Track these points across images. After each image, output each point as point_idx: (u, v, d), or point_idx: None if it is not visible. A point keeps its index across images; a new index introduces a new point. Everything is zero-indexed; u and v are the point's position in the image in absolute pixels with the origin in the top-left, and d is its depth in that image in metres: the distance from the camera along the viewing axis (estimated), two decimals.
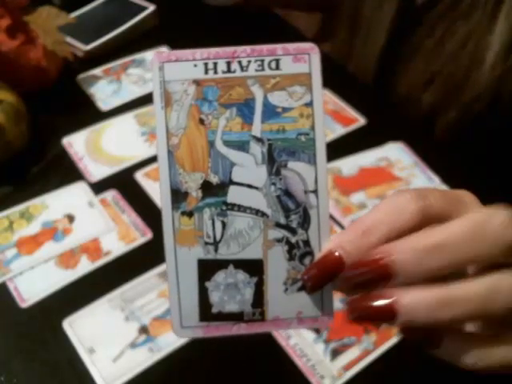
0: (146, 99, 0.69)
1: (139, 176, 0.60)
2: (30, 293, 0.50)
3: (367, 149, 0.63)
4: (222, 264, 0.30)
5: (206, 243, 0.29)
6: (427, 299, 0.26)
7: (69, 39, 0.73)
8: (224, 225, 0.29)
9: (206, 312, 0.30)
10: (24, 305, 0.49)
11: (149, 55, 0.75)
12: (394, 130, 0.65)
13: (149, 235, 0.55)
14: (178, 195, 0.29)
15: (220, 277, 0.30)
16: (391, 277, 0.26)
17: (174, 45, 0.76)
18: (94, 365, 0.45)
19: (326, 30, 0.82)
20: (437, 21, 0.63)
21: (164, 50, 0.76)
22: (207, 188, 0.29)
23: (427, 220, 0.27)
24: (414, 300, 0.26)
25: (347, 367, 0.45)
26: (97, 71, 0.73)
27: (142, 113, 0.67)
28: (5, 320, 0.49)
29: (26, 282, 0.51)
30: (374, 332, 0.47)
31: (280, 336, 0.47)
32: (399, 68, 0.69)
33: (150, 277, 0.51)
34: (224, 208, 0.29)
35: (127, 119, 0.67)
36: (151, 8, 0.79)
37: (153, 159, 0.61)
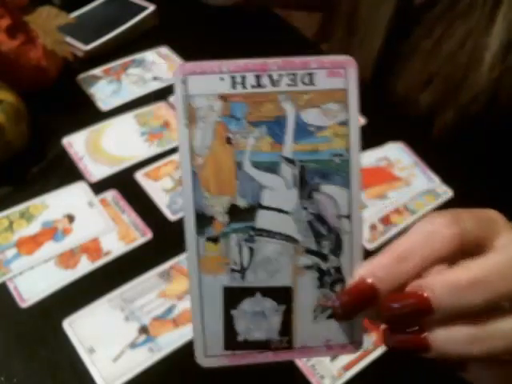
0: (146, 99, 0.69)
1: (139, 176, 0.60)
2: (30, 293, 0.50)
3: (367, 149, 0.63)
4: (248, 292, 0.28)
5: (233, 270, 0.28)
6: (460, 336, 0.26)
7: (69, 39, 0.72)
8: (252, 251, 0.28)
9: (231, 340, 0.29)
10: (24, 305, 0.49)
11: (149, 55, 0.75)
12: (394, 130, 0.65)
13: (149, 235, 0.55)
14: (202, 220, 0.27)
15: (247, 305, 0.28)
16: (429, 313, 0.26)
17: (174, 45, 0.76)
18: (94, 365, 0.45)
19: (325, 30, 0.82)
20: (435, 21, 0.63)
21: (164, 50, 0.76)
22: (234, 212, 0.27)
23: (463, 246, 0.27)
24: (447, 337, 0.26)
25: (347, 367, 0.45)
26: (97, 71, 0.73)
27: (142, 113, 0.67)
28: (5, 320, 0.49)
29: (26, 282, 0.51)
30: (374, 332, 0.47)
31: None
32: (397, 68, 0.69)
33: (150, 277, 0.51)
34: (252, 233, 0.28)
35: (127, 119, 0.67)
36: (151, 8, 0.79)
37: (153, 159, 0.61)
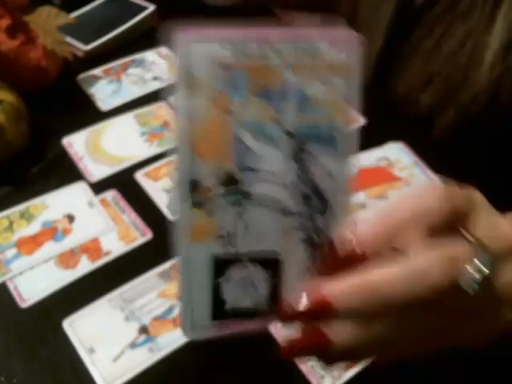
0: (146, 99, 0.69)
1: (139, 176, 0.60)
2: (30, 293, 0.50)
3: (367, 149, 0.63)
4: (237, 259, 0.28)
5: (221, 237, 0.28)
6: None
7: (69, 39, 0.73)
8: (241, 219, 0.28)
9: (219, 310, 0.28)
10: (24, 305, 0.49)
11: (149, 55, 0.75)
12: (394, 130, 0.65)
13: (149, 235, 0.55)
14: (194, 187, 0.27)
15: (235, 272, 0.28)
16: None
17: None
18: (94, 365, 0.45)
19: None
20: (435, 21, 0.63)
21: (164, 50, 0.76)
22: (227, 181, 0.27)
23: (452, 220, 0.28)
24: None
25: (347, 367, 0.45)
26: (97, 71, 0.73)
27: (142, 113, 0.67)
28: (5, 320, 0.49)
29: (26, 282, 0.51)
30: None
31: (280, 336, 0.47)
32: (398, 68, 0.69)
33: (150, 277, 0.51)
34: (243, 202, 0.27)
35: (127, 119, 0.67)
36: (151, 8, 0.79)
37: (153, 159, 0.61)
